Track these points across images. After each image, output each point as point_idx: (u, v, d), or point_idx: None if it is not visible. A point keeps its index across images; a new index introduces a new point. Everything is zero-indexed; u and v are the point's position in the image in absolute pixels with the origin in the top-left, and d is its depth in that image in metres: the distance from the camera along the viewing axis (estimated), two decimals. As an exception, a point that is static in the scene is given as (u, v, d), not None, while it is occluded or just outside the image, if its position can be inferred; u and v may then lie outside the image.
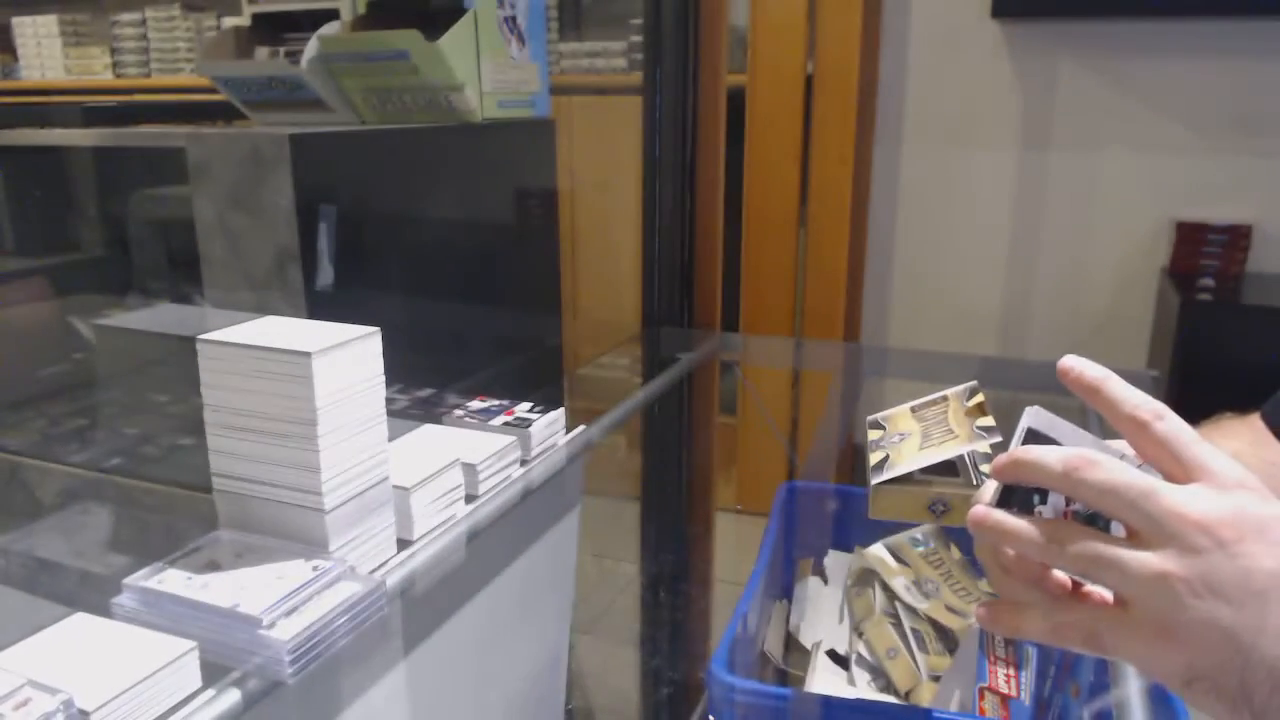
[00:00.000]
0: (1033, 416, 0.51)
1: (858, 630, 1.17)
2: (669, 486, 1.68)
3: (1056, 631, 0.45)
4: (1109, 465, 0.43)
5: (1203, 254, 2.22)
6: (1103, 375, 0.46)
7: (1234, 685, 0.39)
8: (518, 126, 1.24)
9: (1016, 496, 0.50)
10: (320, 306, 0.90)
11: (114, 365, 1.07)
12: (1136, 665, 0.42)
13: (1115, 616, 0.43)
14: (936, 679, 1.06)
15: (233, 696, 0.57)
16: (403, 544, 0.74)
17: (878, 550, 1.22)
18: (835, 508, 1.33)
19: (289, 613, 0.60)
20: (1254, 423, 0.69)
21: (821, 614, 1.24)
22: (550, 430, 0.92)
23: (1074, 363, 0.47)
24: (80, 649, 0.57)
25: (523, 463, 0.89)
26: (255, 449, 0.66)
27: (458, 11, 1.10)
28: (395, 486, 0.72)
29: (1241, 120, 2.19)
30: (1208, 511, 0.40)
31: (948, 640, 1.12)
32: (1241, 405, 0.72)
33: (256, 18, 1.18)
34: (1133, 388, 0.46)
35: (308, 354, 0.62)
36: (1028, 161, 2.39)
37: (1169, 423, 0.44)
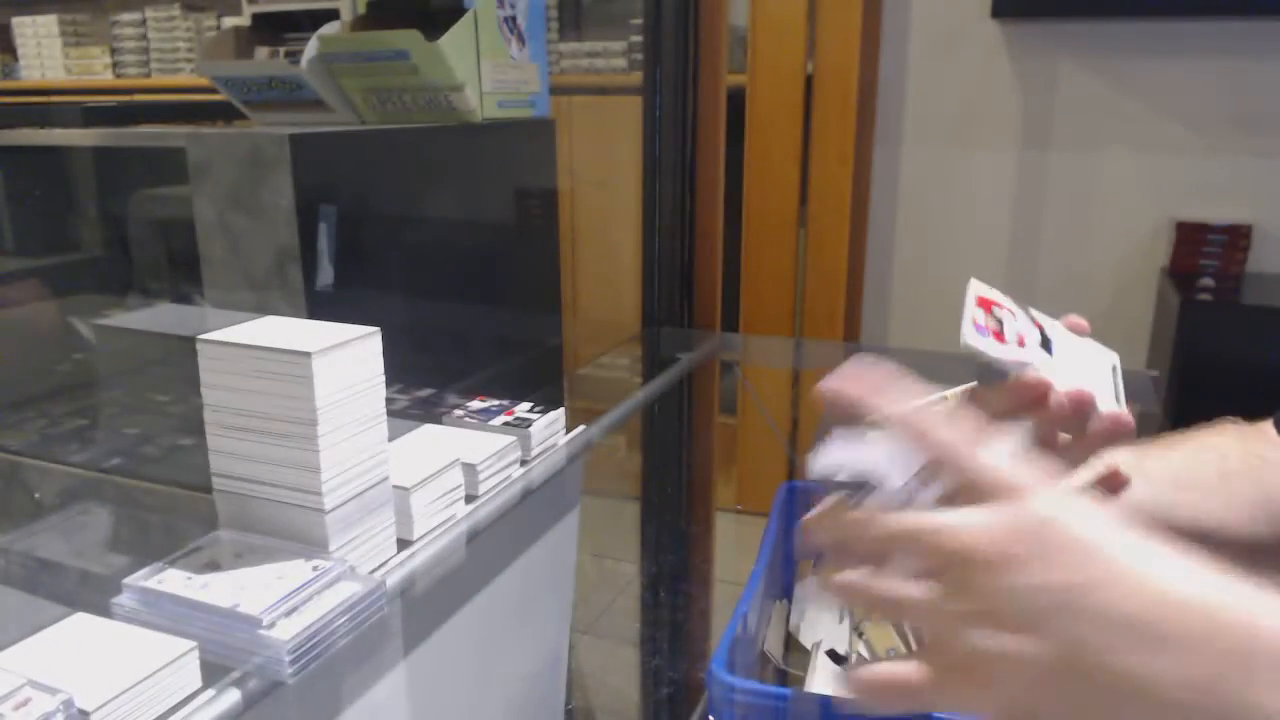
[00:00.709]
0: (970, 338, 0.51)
1: (858, 630, 1.17)
2: (669, 486, 1.68)
3: (873, 699, 0.40)
4: (879, 520, 0.40)
5: (1203, 254, 2.22)
6: (860, 392, 0.42)
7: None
8: (518, 126, 1.24)
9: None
10: (320, 306, 0.90)
11: (114, 365, 1.07)
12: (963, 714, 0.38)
13: (920, 669, 0.38)
14: (936, 679, 1.06)
15: (233, 696, 0.57)
16: (403, 544, 0.74)
17: (878, 550, 1.22)
18: (835, 508, 1.32)
19: (289, 613, 0.60)
20: (1265, 430, 0.68)
21: (821, 614, 1.24)
22: (550, 430, 0.92)
23: (830, 385, 0.43)
24: (80, 649, 0.57)
25: (523, 463, 0.89)
26: (255, 449, 0.66)
27: (458, 11, 1.10)
28: (395, 486, 0.72)
29: (1241, 120, 2.19)
30: (978, 537, 0.36)
31: (948, 640, 1.12)
32: (1241, 405, 0.71)
33: (256, 18, 1.18)
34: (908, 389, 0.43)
35: (308, 354, 0.62)
36: (1028, 161, 2.39)
37: (944, 432, 0.41)
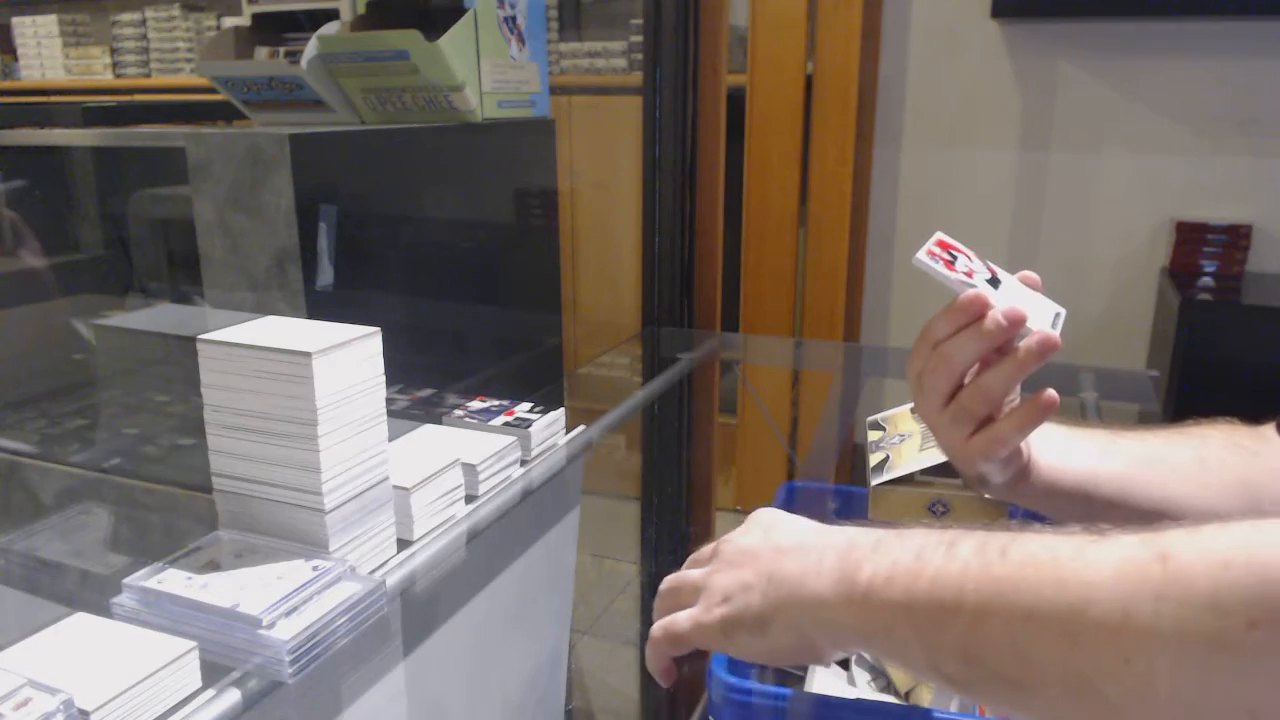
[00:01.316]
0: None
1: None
2: (669, 486, 1.68)
3: (664, 647, 0.58)
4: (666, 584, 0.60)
5: (1203, 254, 2.22)
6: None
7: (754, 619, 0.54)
8: (518, 126, 1.24)
9: None
10: (320, 306, 0.90)
11: (114, 365, 1.07)
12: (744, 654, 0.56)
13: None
14: (936, 679, 1.06)
15: (233, 696, 0.58)
16: (403, 544, 0.74)
17: (878, 550, 1.22)
18: (835, 508, 1.33)
19: (289, 613, 0.60)
20: (1264, 431, 0.68)
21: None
22: (550, 430, 0.92)
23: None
24: (80, 649, 0.57)
25: (523, 463, 0.89)
26: (255, 449, 0.66)
27: (458, 11, 1.10)
28: (395, 486, 0.72)
29: (1241, 120, 2.19)
30: (727, 535, 0.60)
31: (948, 640, 1.11)
32: (1241, 406, 0.71)
33: (256, 18, 1.18)
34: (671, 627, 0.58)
35: (308, 354, 0.62)
36: (1028, 161, 2.39)
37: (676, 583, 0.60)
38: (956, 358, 0.60)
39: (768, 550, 0.55)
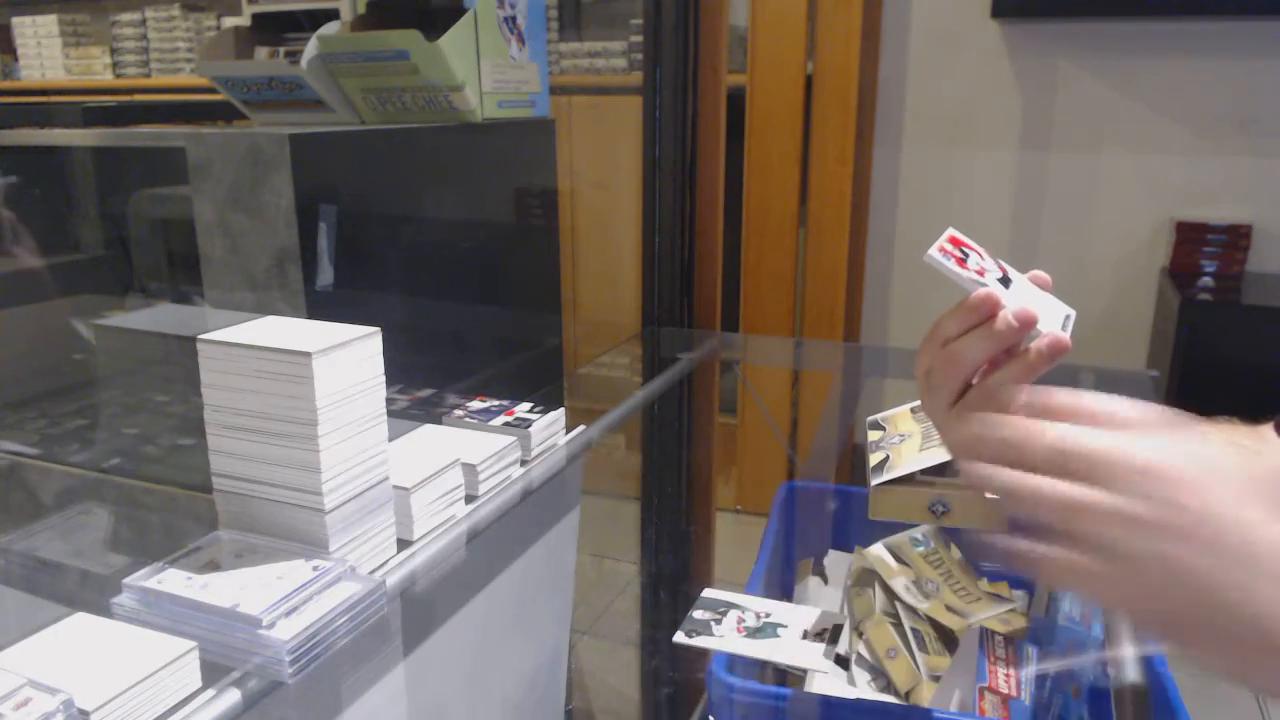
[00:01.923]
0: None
1: (858, 630, 1.17)
2: (669, 486, 1.68)
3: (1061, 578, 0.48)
4: (1055, 431, 0.50)
5: (1203, 254, 2.22)
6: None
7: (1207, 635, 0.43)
8: (518, 126, 1.24)
9: None
10: (320, 306, 0.90)
11: (114, 365, 1.07)
12: (1115, 610, 0.48)
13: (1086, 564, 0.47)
14: (936, 679, 1.06)
15: (233, 696, 0.57)
16: (403, 544, 0.74)
17: (878, 550, 1.22)
18: (835, 508, 1.33)
19: (289, 613, 0.60)
20: (1262, 431, 0.68)
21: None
22: (550, 430, 0.92)
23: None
24: (80, 649, 0.57)
25: (523, 463, 0.89)
26: (255, 449, 0.66)
27: (458, 11, 1.10)
28: (395, 486, 0.72)
29: (1241, 120, 2.20)
30: (1165, 460, 0.46)
31: (948, 640, 1.12)
32: (1241, 406, 0.71)
33: (256, 18, 1.18)
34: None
35: (308, 354, 0.62)
36: (1028, 161, 2.39)
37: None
38: (965, 357, 0.59)
39: (1214, 543, 0.43)
